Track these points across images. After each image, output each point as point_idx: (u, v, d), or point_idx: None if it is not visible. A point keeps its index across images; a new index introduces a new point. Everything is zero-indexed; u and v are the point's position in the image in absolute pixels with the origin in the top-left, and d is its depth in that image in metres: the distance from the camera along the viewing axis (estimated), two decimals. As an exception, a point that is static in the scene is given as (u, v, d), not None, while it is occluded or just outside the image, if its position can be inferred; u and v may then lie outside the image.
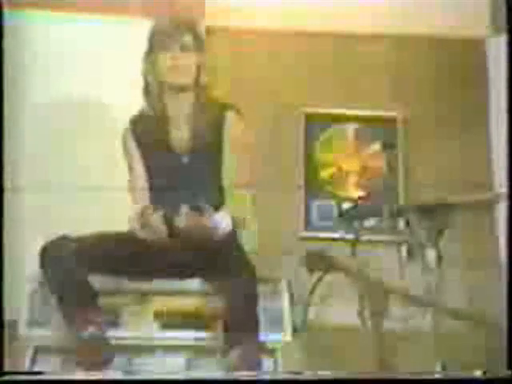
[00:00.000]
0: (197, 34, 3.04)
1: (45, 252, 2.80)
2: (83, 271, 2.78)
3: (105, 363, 2.75)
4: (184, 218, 2.72)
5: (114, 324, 2.96)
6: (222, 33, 4.20)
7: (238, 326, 2.72)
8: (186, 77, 2.98)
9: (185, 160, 2.98)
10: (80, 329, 2.72)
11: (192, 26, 3.05)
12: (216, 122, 2.99)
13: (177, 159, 2.99)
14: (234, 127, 3.00)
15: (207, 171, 2.97)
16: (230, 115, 3.01)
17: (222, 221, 2.82)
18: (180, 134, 2.99)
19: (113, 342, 2.83)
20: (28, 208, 3.83)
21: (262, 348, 2.81)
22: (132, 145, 3.06)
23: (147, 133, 3.03)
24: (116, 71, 3.93)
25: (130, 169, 3.10)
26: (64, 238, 2.82)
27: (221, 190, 2.96)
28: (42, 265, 2.81)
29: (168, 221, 2.75)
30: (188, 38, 2.99)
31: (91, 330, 2.72)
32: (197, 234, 2.73)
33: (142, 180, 3.04)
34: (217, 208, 2.84)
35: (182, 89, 3.00)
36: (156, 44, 2.99)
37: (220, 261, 2.80)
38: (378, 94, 4.33)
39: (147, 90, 3.03)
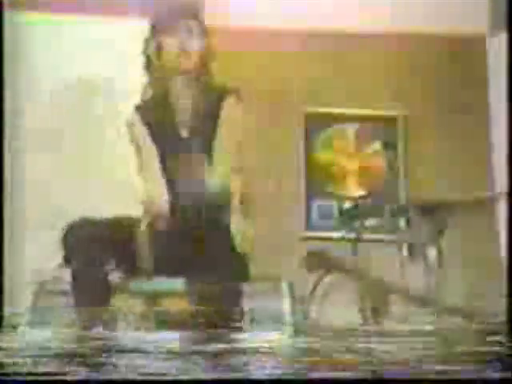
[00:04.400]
0: (200, 19, 3.06)
1: (69, 232, 2.78)
2: (100, 259, 2.76)
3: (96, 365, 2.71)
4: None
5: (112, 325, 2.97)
6: (222, 33, 4.20)
7: (219, 325, 2.68)
8: (193, 61, 2.99)
9: (186, 142, 3.01)
10: (85, 327, 2.70)
11: (195, 11, 3.08)
12: (214, 107, 3.02)
13: (180, 142, 3.02)
14: (230, 113, 3.03)
15: (204, 155, 3.00)
16: (227, 101, 3.03)
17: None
18: (181, 117, 3.03)
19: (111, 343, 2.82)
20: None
21: (243, 347, 2.77)
22: (142, 128, 3.07)
23: (153, 116, 3.06)
24: (116, 71, 3.95)
25: (140, 152, 3.10)
26: (86, 221, 2.81)
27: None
28: (65, 246, 2.78)
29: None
30: (192, 23, 3.01)
31: (96, 330, 2.70)
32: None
33: (154, 161, 3.05)
34: None
35: (186, 73, 3.03)
36: (161, 29, 3.02)
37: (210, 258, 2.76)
38: (377, 94, 4.33)
39: (151, 74, 3.06)
